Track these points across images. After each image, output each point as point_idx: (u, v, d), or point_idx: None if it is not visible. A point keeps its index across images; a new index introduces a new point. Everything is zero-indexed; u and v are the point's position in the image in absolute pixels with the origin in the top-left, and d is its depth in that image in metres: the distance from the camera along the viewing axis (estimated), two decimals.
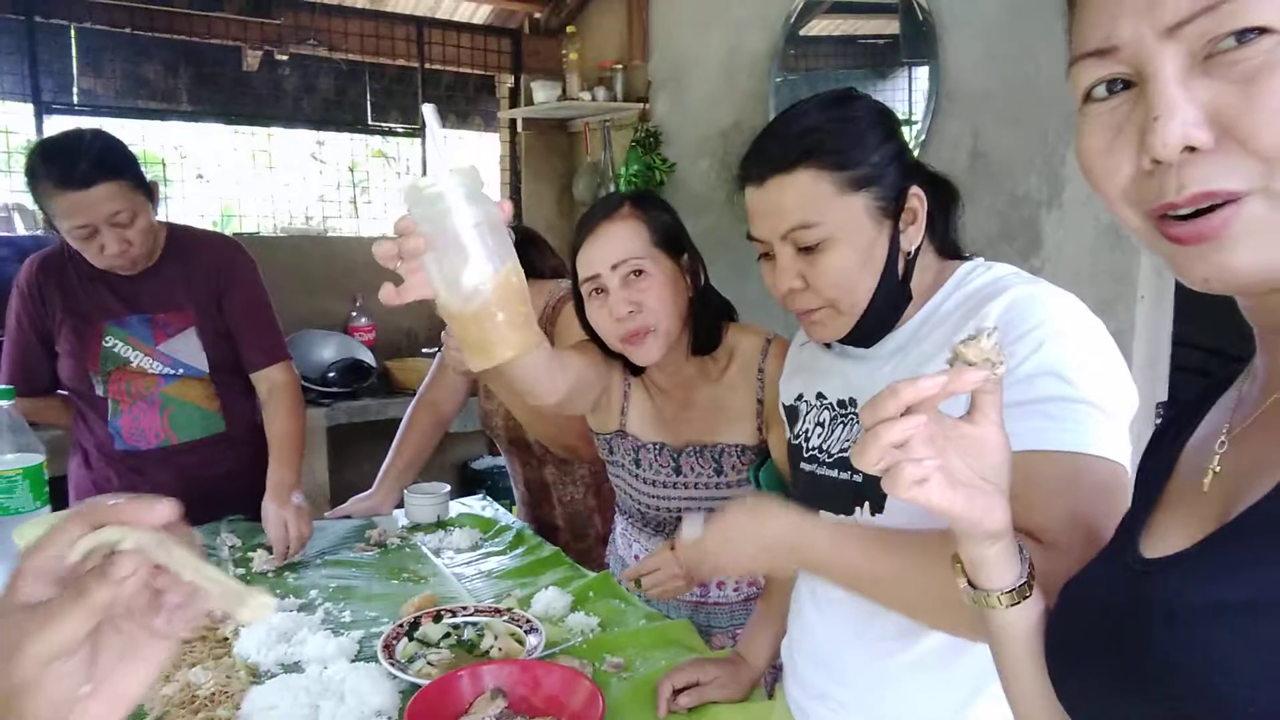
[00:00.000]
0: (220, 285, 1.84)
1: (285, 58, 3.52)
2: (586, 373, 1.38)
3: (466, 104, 4.23)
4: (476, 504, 2.00)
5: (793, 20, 2.85)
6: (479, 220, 0.80)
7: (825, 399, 1.07)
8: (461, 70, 3.93)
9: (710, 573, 1.05)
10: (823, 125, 0.95)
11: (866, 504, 0.97)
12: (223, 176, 3.83)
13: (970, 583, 0.64)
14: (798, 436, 1.10)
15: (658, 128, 3.42)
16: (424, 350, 3.59)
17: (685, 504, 1.42)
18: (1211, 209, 0.48)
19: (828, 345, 1.06)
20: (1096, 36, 0.51)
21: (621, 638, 1.34)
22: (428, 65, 3.78)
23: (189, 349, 1.82)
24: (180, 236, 1.85)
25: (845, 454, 1.00)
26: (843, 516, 1.00)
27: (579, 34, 3.67)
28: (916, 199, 0.95)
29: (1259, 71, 0.46)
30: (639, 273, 1.29)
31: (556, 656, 1.25)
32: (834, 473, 1.02)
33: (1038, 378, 0.80)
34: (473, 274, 0.80)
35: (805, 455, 1.07)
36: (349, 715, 1.09)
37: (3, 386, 1.57)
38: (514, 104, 3.92)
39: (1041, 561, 0.66)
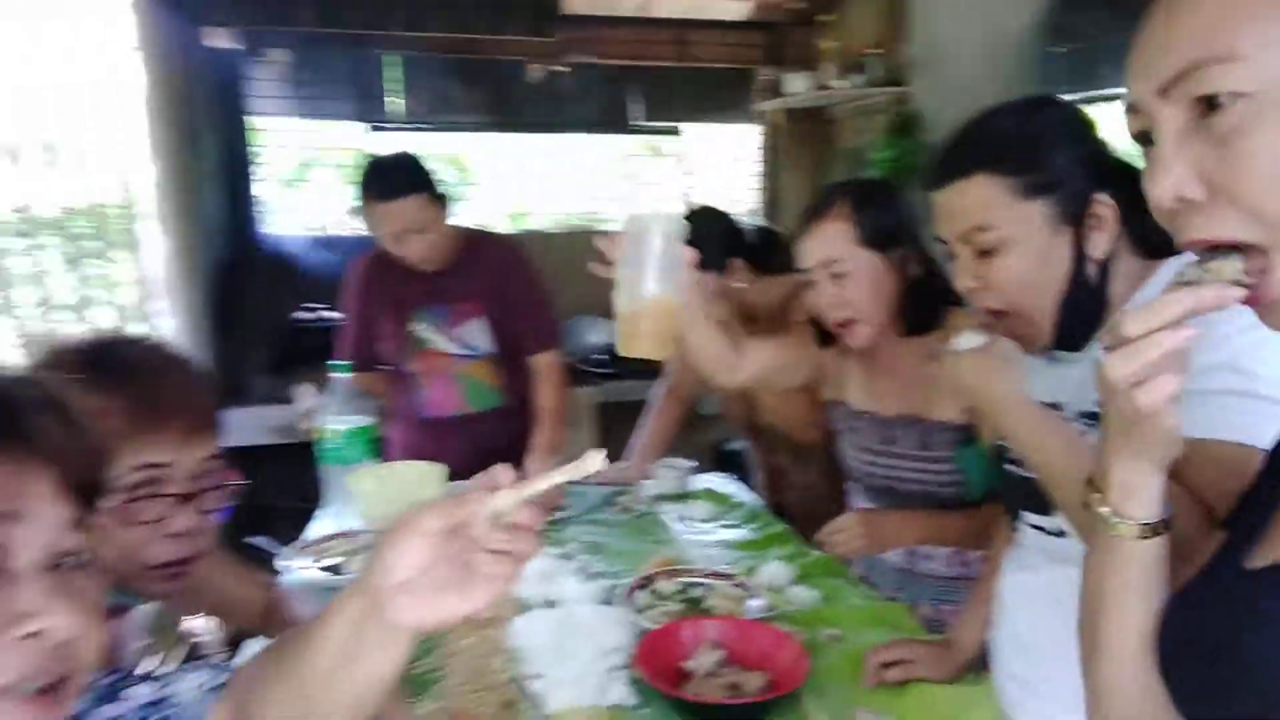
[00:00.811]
0: (504, 281, 2.14)
1: (562, 69, 3.88)
2: (783, 355, 1.60)
3: (728, 99, 4.38)
4: (718, 480, 2.15)
5: None
6: (661, 254, 1.11)
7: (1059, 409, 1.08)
8: (720, 66, 4.10)
9: (890, 541, 1.18)
10: (1003, 132, 0.99)
11: None
12: (517, 177, 4.28)
13: (1112, 509, 0.65)
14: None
15: (914, 111, 3.36)
16: None
17: (894, 472, 1.51)
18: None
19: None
20: (1126, 96, 0.58)
21: (838, 612, 1.44)
22: (688, 64, 3.99)
23: (478, 335, 2.14)
24: (471, 239, 2.16)
25: None
26: (1045, 519, 1.03)
27: (835, 21, 3.68)
28: (1104, 206, 0.94)
29: (1231, 133, 0.52)
30: (839, 275, 1.42)
31: (773, 621, 1.37)
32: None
33: (1217, 371, 0.80)
34: (641, 289, 1.12)
35: (1009, 456, 1.10)
36: (591, 648, 1.28)
37: (343, 362, 1.97)
38: (771, 96, 4.02)
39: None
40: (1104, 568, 0.67)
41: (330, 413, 1.91)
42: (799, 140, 4.08)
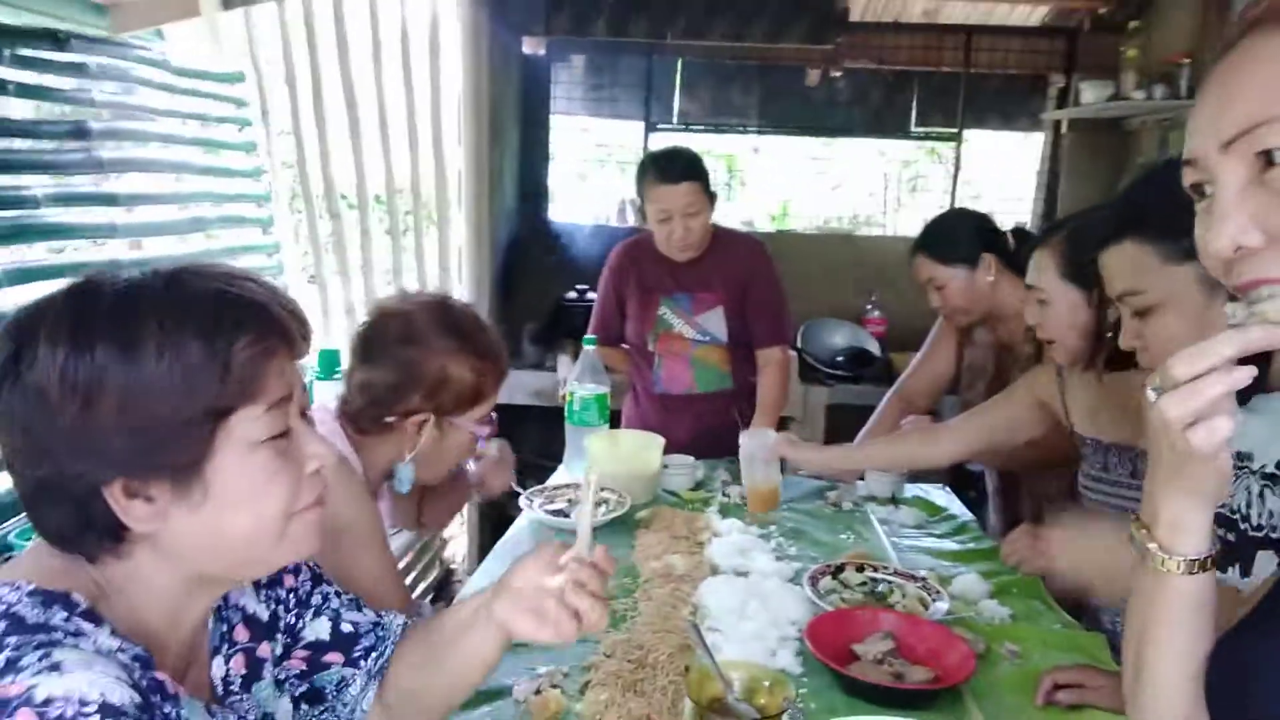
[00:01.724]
0: (745, 278, 2.29)
1: (839, 73, 3.93)
2: (995, 418, 1.76)
3: (1012, 106, 4.19)
4: (933, 490, 2.14)
5: None
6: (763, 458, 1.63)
7: (1250, 460, 1.02)
8: (1009, 72, 3.92)
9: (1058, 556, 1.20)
10: (1152, 196, 1.00)
11: (1237, 565, 0.93)
12: (785, 178, 4.40)
13: (1160, 545, 0.66)
14: None
15: None
16: None
17: (1108, 500, 1.51)
18: None
19: None
20: (1186, 149, 0.61)
21: (1026, 631, 1.41)
22: (974, 69, 3.86)
23: (716, 323, 2.30)
24: (721, 235, 2.33)
25: (1224, 512, 0.95)
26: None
27: (1143, 27, 3.40)
28: None
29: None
30: (1041, 302, 1.54)
31: (953, 626, 1.38)
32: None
33: None
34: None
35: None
36: (768, 616, 1.38)
37: (589, 335, 2.21)
38: (1061, 104, 3.79)
39: None
40: (1151, 603, 0.69)
41: (577, 380, 2.15)
42: (1089, 152, 3.81)
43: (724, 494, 2.02)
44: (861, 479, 2.12)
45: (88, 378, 0.66)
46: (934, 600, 1.45)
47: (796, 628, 1.36)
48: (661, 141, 3.94)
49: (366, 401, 1.32)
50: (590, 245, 3.75)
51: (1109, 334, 1.43)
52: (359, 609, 0.96)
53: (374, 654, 0.94)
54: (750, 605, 1.41)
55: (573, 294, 3.66)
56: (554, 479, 2.12)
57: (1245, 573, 0.93)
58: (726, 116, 4.23)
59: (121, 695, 0.63)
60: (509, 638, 0.88)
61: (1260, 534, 0.91)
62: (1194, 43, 3.18)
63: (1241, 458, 0.99)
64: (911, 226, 4.30)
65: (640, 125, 3.97)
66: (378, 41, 3.03)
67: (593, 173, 4.09)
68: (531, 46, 3.80)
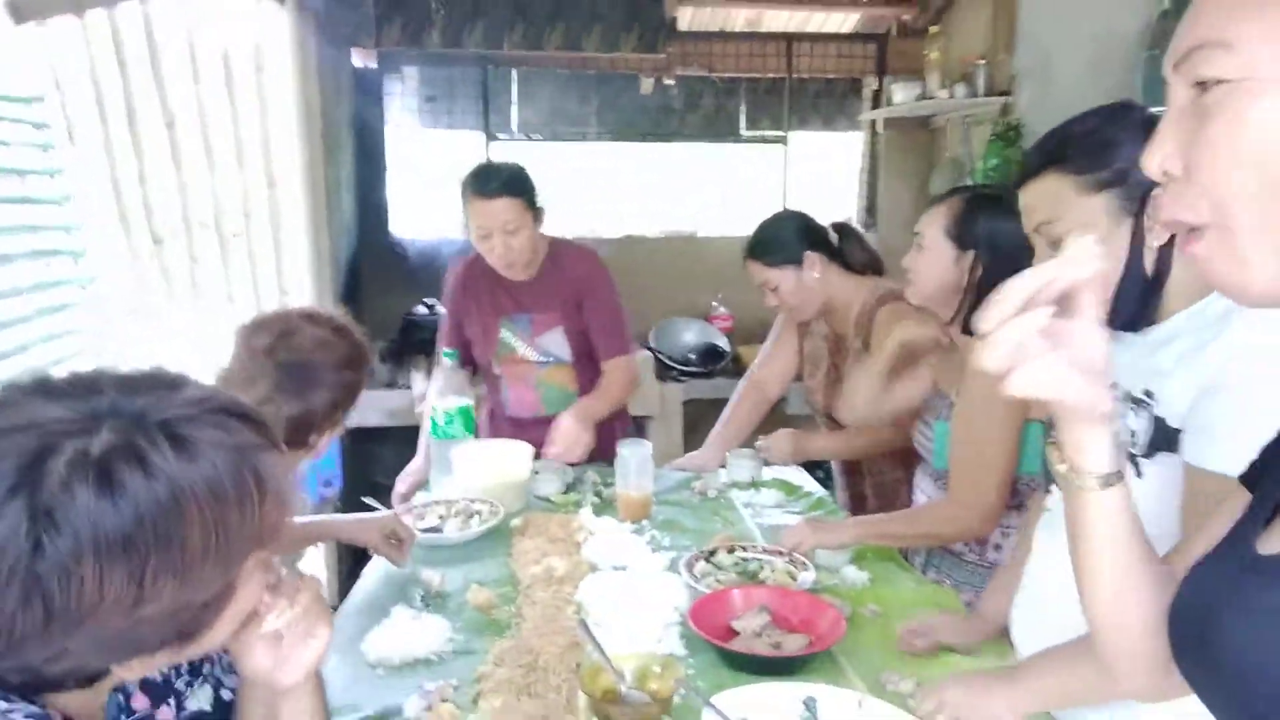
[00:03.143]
0: (580, 292, 2.26)
1: (672, 81, 4.06)
2: (920, 390, 1.83)
3: (831, 108, 4.46)
4: (789, 471, 2.26)
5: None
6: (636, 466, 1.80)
7: (1116, 388, 1.15)
8: (828, 76, 4.18)
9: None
10: (1075, 133, 1.08)
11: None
12: (626, 185, 4.47)
13: (1069, 466, 0.71)
14: None
15: (1019, 121, 3.35)
16: None
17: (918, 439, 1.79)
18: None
19: None
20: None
21: (884, 592, 1.53)
22: (796, 74, 4.09)
23: (557, 342, 2.28)
24: (557, 250, 2.28)
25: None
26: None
27: (942, 32, 3.72)
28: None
29: (1206, 114, 0.55)
30: (919, 247, 1.68)
31: (820, 594, 1.47)
32: None
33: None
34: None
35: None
36: (652, 606, 1.43)
37: (448, 349, 2.19)
38: (875, 105, 4.08)
39: None
40: (1074, 520, 0.74)
41: (437, 393, 2.13)
42: (903, 149, 4.12)
43: (595, 495, 2.05)
44: (723, 466, 2.21)
45: (138, 582, 0.62)
46: (801, 571, 1.55)
47: (679, 613, 1.41)
48: (502, 152, 3.94)
49: (294, 427, 1.29)
50: (435, 258, 3.70)
51: (967, 294, 1.62)
52: (233, 671, 0.92)
53: None
54: (631, 598, 1.45)
55: (421, 308, 3.60)
56: (420, 497, 2.09)
57: (1137, 473, 1.04)
58: (566, 125, 4.27)
59: None
60: (276, 687, 0.84)
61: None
62: (987, 45, 3.51)
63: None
64: (748, 226, 4.50)
65: (480, 136, 3.95)
66: (195, 58, 2.87)
67: (434, 186, 4.03)
68: (362, 59, 3.71)
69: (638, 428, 2.23)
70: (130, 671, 0.68)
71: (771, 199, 4.23)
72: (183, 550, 0.63)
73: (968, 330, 1.60)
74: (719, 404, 3.63)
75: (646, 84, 4.09)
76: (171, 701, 0.86)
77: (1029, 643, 1.18)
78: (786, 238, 2.11)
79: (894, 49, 4.05)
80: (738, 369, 3.78)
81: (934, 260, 1.64)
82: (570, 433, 2.10)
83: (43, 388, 0.66)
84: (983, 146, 3.51)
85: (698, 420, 3.64)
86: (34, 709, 0.65)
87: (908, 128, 4.08)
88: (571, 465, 2.13)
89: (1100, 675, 0.95)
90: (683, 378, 3.63)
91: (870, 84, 4.17)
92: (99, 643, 0.63)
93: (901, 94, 3.70)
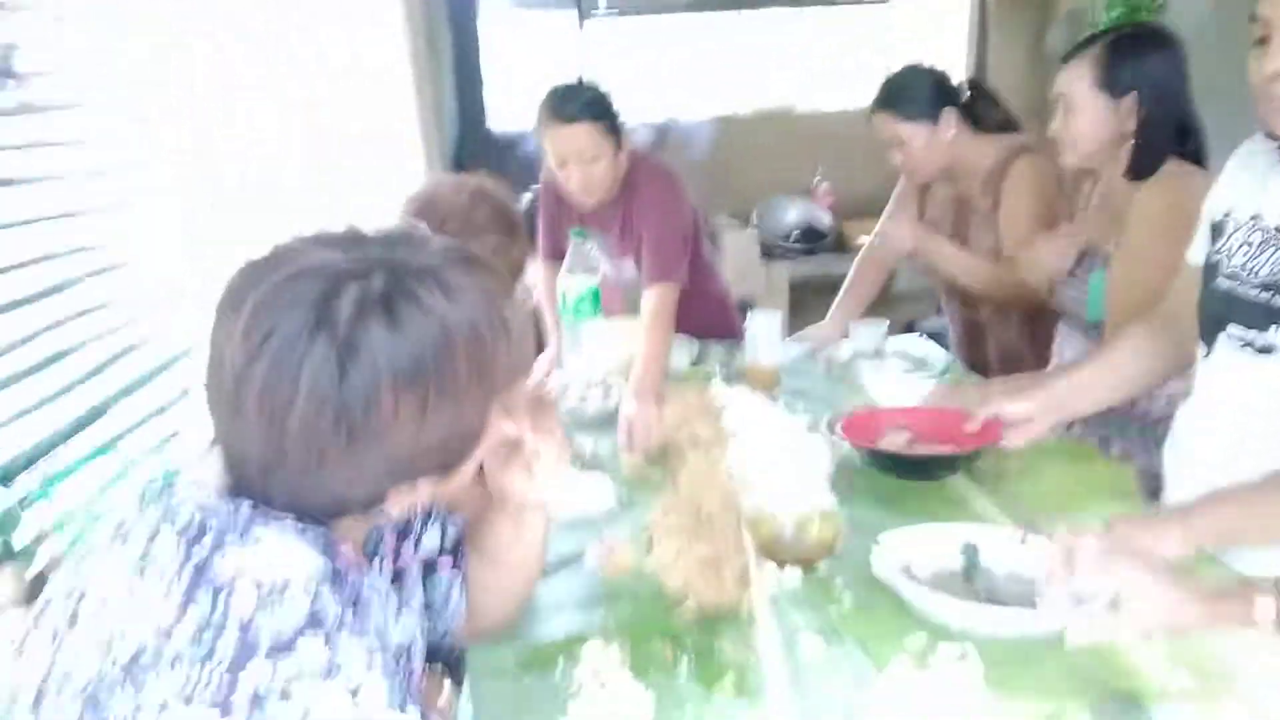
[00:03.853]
0: (640, 214, 2.10)
1: None
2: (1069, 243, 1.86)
3: None
4: (914, 340, 2.28)
5: None
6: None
7: (1261, 221, 1.13)
8: None
9: None
10: None
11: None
12: (718, 62, 4.32)
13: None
14: (1218, 252, 1.18)
15: None
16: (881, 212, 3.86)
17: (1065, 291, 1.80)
18: None
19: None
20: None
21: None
22: None
23: (631, 270, 2.19)
24: (635, 168, 2.08)
25: (1275, 277, 1.08)
26: (1256, 332, 1.10)
27: None
28: None
29: None
30: (1067, 110, 1.64)
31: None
32: (1256, 293, 1.10)
33: None
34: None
35: (1225, 271, 1.16)
36: (800, 465, 1.50)
37: (575, 229, 2.23)
38: None
39: None
40: None
41: (566, 272, 2.19)
42: (1014, 4, 3.89)
43: (722, 366, 2.13)
44: (845, 336, 2.25)
45: (423, 408, 0.70)
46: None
47: (828, 468, 1.49)
48: (596, 31, 3.88)
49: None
50: (532, 148, 3.72)
51: (1135, 139, 1.58)
52: (453, 513, 1.02)
53: (463, 557, 1.01)
54: (779, 457, 1.53)
55: (526, 197, 3.65)
56: (556, 380, 2.18)
57: None
58: None
59: (320, 562, 0.71)
60: (526, 508, 0.96)
61: None
62: None
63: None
64: (849, 98, 4.35)
65: (573, 13, 3.89)
66: None
67: (528, 73, 4.00)
68: None
69: (741, 311, 2.24)
70: (398, 502, 0.78)
71: (872, 68, 4.08)
72: (454, 381, 0.71)
73: (1139, 175, 1.58)
74: (826, 282, 3.64)
75: None
76: (411, 539, 0.98)
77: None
78: (921, 92, 2.06)
79: None
80: (842, 246, 3.77)
81: (1089, 118, 1.60)
82: (640, 420, 1.76)
83: (318, 239, 0.74)
84: None
85: (803, 300, 3.66)
86: (323, 529, 0.76)
87: None
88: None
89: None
90: (787, 256, 3.63)
91: None
92: (387, 465, 0.73)
93: None
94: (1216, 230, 1.21)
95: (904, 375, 2.04)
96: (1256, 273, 1.10)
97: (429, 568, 0.99)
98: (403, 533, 0.97)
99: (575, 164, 1.97)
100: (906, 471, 1.46)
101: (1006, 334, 2.15)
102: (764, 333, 1.94)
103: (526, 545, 0.99)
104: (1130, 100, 1.57)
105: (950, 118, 2.04)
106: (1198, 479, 1.20)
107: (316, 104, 3.00)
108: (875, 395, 1.92)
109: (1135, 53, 1.58)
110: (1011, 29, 3.92)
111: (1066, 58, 1.69)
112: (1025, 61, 3.88)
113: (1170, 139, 1.60)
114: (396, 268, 0.71)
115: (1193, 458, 1.25)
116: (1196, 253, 1.26)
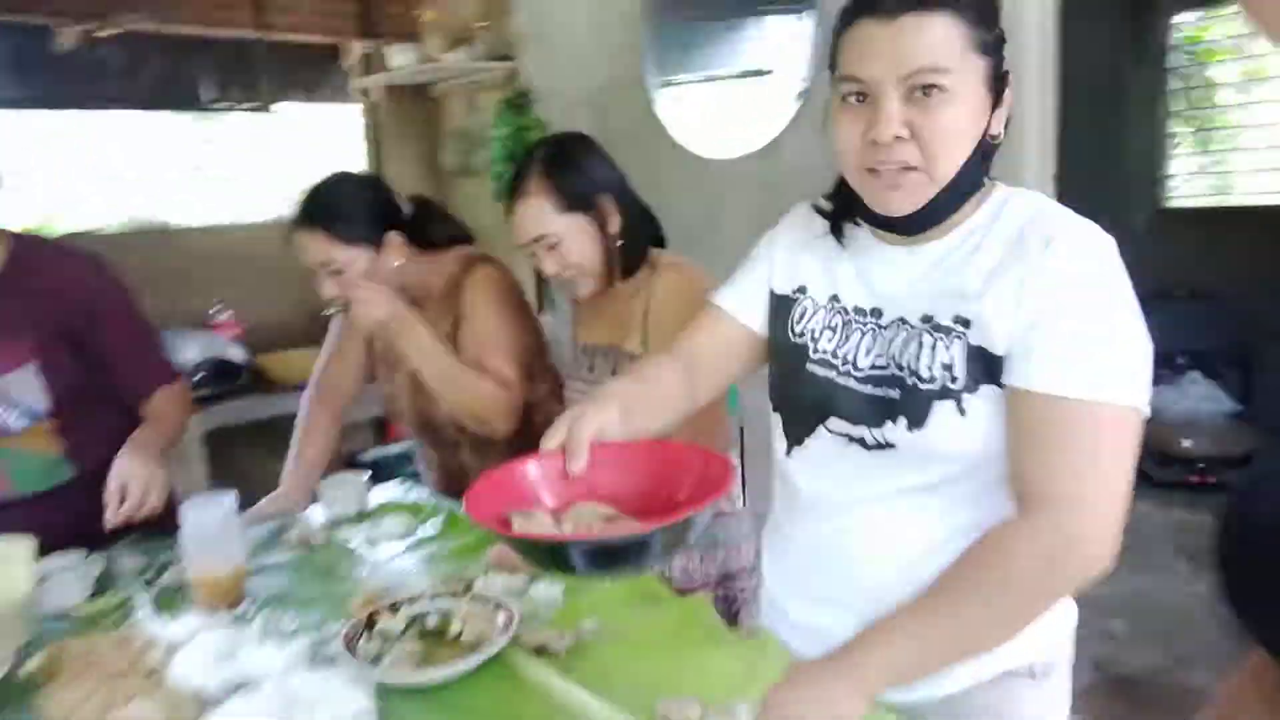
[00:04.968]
0: (77, 308, 1.60)
1: (107, 35, 3.17)
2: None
3: (318, 74, 3.95)
4: (397, 489, 1.88)
5: None
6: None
7: (840, 302, 1.04)
8: (308, 39, 3.67)
9: None
10: None
11: (902, 419, 0.94)
12: (40, 171, 3.42)
13: None
14: (800, 334, 1.07)
15: (527, 88, 3.30)
16: (302, 343, 3.37)
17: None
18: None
19: (840, 241, 1.06)
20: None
21: (591, 601, 1.29)
22: (269, 36, 3.50)
23: (28, 387, 1.56)
24: (24, 250, 1.59)
25: (879, 370, 0.97)
26: (865, 428, 0.98)
27: None
28: (1009, 86, 0.94)
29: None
30: (552, 246, 1.53)
31: (532, 629, 1.18)
32: (865, 388, 0.98)
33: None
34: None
35: (814, 357, 1.04)
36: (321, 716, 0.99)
37: None
38: (367, 71, 3.70)
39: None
40: None
41: None
42: (405, 119, 3.83)
43: (145, 585, 1.44)
44: (316, 501, 1.75)
45: None
46: (496, 609, 1.23)
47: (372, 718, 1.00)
48: None
49: None
50: None
51: (619, 244, 1.55)
52: None
53: None
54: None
55: None
56: None
57: (916, 424, 0.94)
58: None
59: None
60: None
61: (933, 385, 0.91)
62: (487, 7, 3.37)
63: (870, 315, 1.00)
64: (233, 213, 3.79)
65: None
66: None
67: None
68: None
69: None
70: None
71: (258, 180, 3.61)
72: None
73: (629, 272, 1.57)
74: (250, 430, 3.03)
75: (69, 35, 3.14)
76: None
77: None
78: (360, 210, 1.69)
79: (381, 9, 3.71)
80: (263, 382, 3.18)
81: (579, 242, 1.53)
82: (139, 475, 1.48)
83: None
84: (492, 115, 3.39)
85: (225, 455, 2.96)
86: None
87: (408, 96, 3.79)
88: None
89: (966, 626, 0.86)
90: (195, 404, 2.90)
91: (354, 48, 3.77)
92: None
93: (401, 58, 3.40)
94: (783, 304, 1.11)
95: (404, 538, 1.62)
96: (855, 363, 1.00)
97: None
98: None
99: None
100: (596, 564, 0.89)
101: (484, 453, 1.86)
102: (215, 526, 1.34)
103: None
104: (600, 208, 1.53)
105: (397, 240, 1.72)
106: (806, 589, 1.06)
107: None
108: (382, 573, 1.47)
109: (569, 162, 1.54)
110: (404, 142, 3.84)
111: (511, 196, 1.56)
112: (422, 175, 3.82)
113: (646, 228, 1.62)
114: None
115: (792, 562, 1.11)
116: (738, 306, 1.16)
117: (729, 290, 1.17)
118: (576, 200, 1.52)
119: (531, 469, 1.00)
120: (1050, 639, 1.01)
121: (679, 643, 1.14)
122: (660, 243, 1.66)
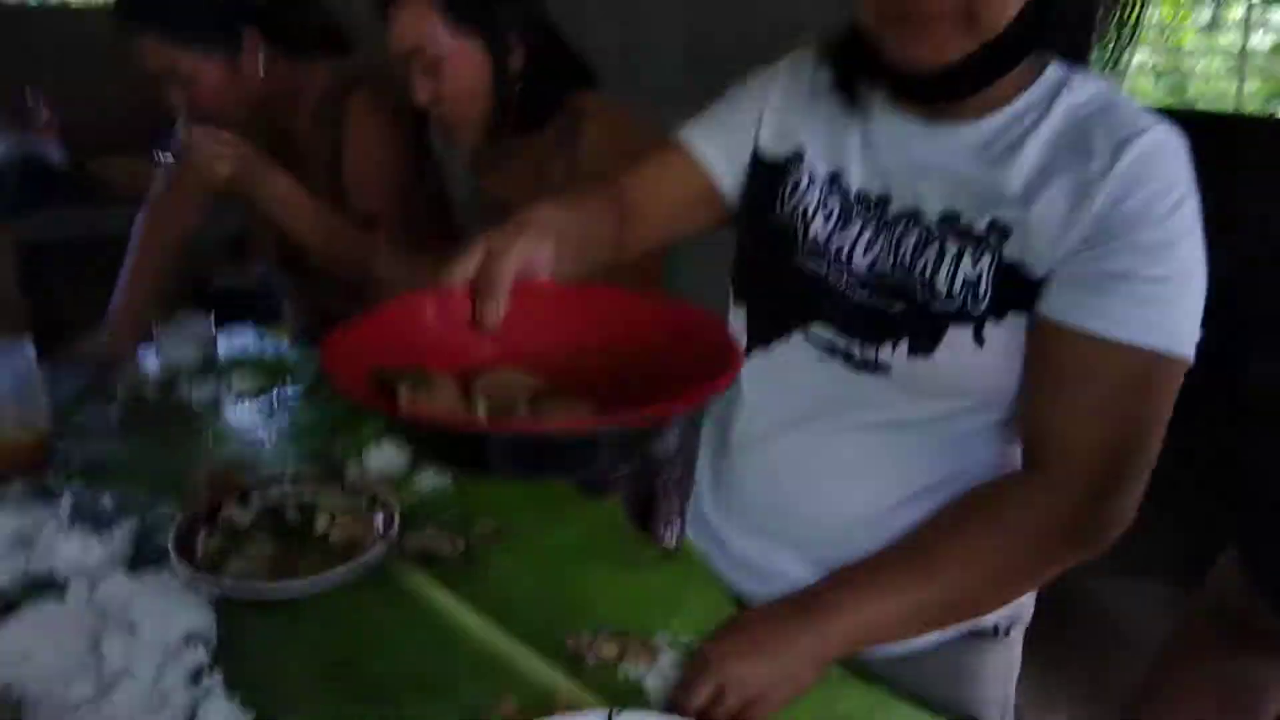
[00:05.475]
0: None
1: None
2: None
3: None
4: (254, 337, 1.61)
5: None
6: None
7: (841, 183, 0.83)
8: None
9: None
10: None
11: (905, 340, 0.77)
12: None
13: None
14: (790, 214, 0.85)
15: None
16: (139, 147, 2.89)
17: None
18: None
19: (853, 103, 0.82)
20: None
21: (485, 496, 1.11)
22: None
23: None
24: None
25: (881, 275, 0.79)
26: (856, 342, 0.80)
27: None
28: None
29: None
30: (431, 67, 1.24)
31: (417, 531, 1.00)
32: (860, 294, 0.80)
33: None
34: None
35: (805, 247, 0.84)
36: (147, 651, 0.78)
37: None
38: None
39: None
40: None
41: None
42: None
43: None
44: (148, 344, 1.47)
45: None
46: (366, 504, 1.03)
47: (206, 649, 0.80)
48: None
49: None
50: None
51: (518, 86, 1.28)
52: None
53: None
54: (107, 648, 0.78)
55: None
56: None
57: (923, 351, 0.76)
58: None
59: None
60: None
61: (950, 305, 0.75)
62: None
63: (876, 205, 0.80)
64: None
65: None
66: None
67: None
68: None
69: None
70: None
71: None
72: None
73: (535, 123, 1.32)
74: (73, 245, 2.65)
75: None
76: None
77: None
78: (207, 10, 1.35)
79: None
80: (87, 194, 2.71)
81: (463, 71, 1.24)
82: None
83: None
84: None
85: (43, 275, 2.55)
86: None
87: None
88: None
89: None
90: (5, 215, 2.47)
91: None
92: None
93: None
94: (772, 172, 0.87)
95: (262, 395, 1.38)
96: (851, 261, 0.81)
97: None
98: None
99: None
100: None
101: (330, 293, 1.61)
102: (10, 379, 1.06)
103: None
104: (511, 34, 1.26)
105: (255, 39, 1.39)
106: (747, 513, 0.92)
107: None
108: (236, 440, 1.24)
109: None
110: None
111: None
112: None
113: (563, 72, 1.34)
114: None
115: (736, 487, 0.94)
116: (710, 152, 0.91)
117: (700, 129, 0.91)
118: (472, 14, 1.23)
119: (426, 312, 0.70)
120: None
121: (586, 556, 0.98)
122: (588, 84, 1.37)
